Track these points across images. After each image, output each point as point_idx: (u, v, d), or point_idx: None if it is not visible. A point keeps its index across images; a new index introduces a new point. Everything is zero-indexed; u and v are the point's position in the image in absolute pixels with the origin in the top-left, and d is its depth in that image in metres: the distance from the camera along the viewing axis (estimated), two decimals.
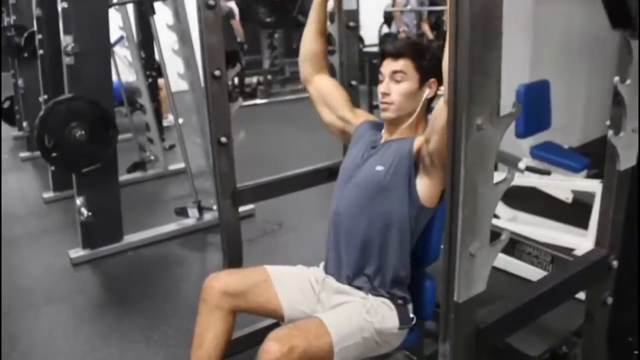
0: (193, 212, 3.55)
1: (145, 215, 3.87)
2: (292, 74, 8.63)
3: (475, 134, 0.96)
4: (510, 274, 2.24)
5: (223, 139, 1.97)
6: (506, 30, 0.95)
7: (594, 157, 3.14)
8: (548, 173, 2.87)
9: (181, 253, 3.33)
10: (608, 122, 1.38)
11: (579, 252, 2.54)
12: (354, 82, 2.29)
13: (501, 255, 1.11)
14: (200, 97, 3.49)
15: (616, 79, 1.28)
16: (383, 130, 1.71)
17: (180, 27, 3.41)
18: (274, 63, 8.34)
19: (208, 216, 3.61)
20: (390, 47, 1.63)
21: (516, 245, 1.76)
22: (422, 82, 1.60)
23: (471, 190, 0.99)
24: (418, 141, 1.56)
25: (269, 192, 2.21)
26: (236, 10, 6.75)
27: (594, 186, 2.53)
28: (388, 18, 8.09)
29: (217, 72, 1.91)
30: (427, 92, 1.61)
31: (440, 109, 1.41)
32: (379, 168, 1.59)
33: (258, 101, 7.88)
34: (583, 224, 2.70)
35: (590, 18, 4.22)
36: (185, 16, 3.39)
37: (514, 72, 2.73)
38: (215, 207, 3.62)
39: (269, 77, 8.24)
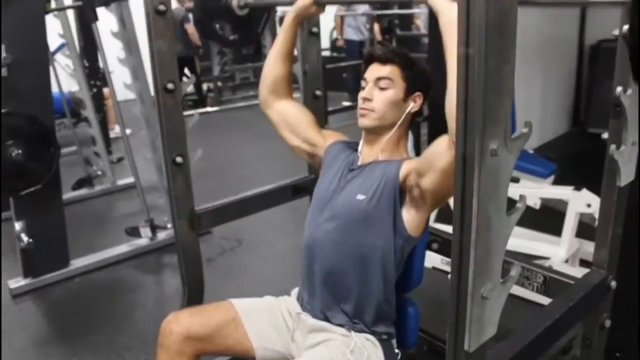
0: (145, 231, 3.31)
1: (94, 236, 3.59)
2: (242, 80, 8.43)
3: (489, 161, 0.82)
4: None
5: (178, 159, 1.78)
6: None
7: (553, 158, 3.12)
8: (517, 180, 2.79)
9: (134, 277, 3.08)
10: (606, 135, 1.27)
11: (554, 261, 2.47)
12: (318, 92, 2.14)
13: None
14: (150, 108, 3.27)
15: (619, 89, 1.17)
16: (360, 149, 1.55)
17: (126, 34, 3.16)
18: (224, 69, 8.10)
19: (162, 235, 3.38)
20: (379, 51, 1.49)
21: (504, 267, 1.63)
22: (408, 93, 1.46)
23: (484, 226, 0.85)
24: (405, 168, 1.40)
25: (230, 214, 2.02)
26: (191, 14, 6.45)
27: (567, 194, 2.46)
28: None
29: (169, 86, 1.71)
30: (411, 106, 1.47)
31: (443, 147, 1.24)
32: (361, 197, 1.42)
33: (209, 109, 7.63)
34: (553, 230, 2.64)
35: (543, 20, 4.24)
36: (132, 23, 3.15)
37: None
38: (169, 225, 3.40)
39: (219, 84, 8.01)
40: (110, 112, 5.60)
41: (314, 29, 2.07)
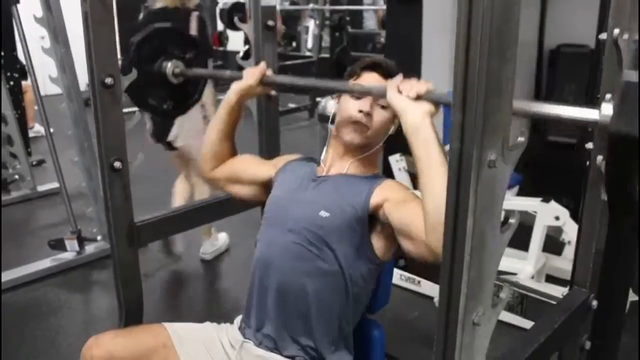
0: (72, 244, 3.15)
1: (10, 249, 3.38)
2: None
3: (486, 173, 0.79)
4: None
5: (117, 164, 1.68)
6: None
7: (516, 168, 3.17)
8: None
9: (58, 297, 2.92)
10: (591, 145, 1.28)
11: (521, 277, 2.50)
12: (273, 92, 2.08)
13: None
14: (80, 106, 3.12)
15: (608, 96, 1.17)
16: (325, 159, 1.52)
17: (52, 20, 3.00)
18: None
19: (91, 248, 3.24)
20: (384, 62, 1.45)
21: None
22: (395, 115, 1.41)
23: (479, 246, 0.82)
24: (376, 199, 1.35)
25: (174, 226, 1.94)
26: None
27: (535, 206, 2.50)
28: None
29: (108, 80, 1.61)
30: (392, 129, 1.45)
31: (420, 235, 1.18)
32: (324, 214, 1.37)
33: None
34: (517, 244, 2.68)
35: None
36: (59, 7, 2.99)
37: (434, 76, 2.65)
38: (99, 238, 3.26)
39: None
40: (29, 108, 5.35)
41: (270, 22, 2.02)
